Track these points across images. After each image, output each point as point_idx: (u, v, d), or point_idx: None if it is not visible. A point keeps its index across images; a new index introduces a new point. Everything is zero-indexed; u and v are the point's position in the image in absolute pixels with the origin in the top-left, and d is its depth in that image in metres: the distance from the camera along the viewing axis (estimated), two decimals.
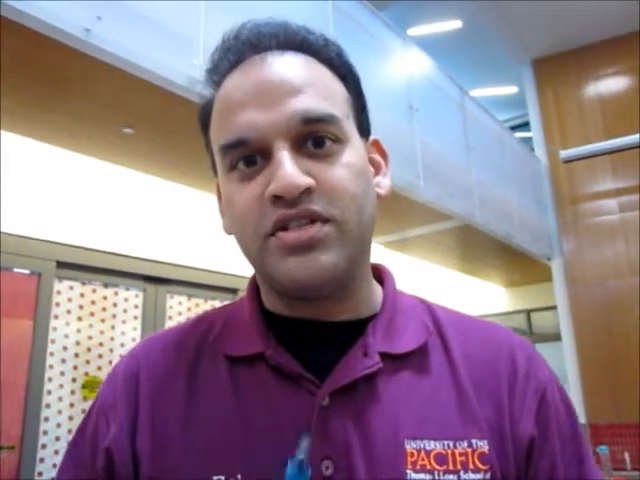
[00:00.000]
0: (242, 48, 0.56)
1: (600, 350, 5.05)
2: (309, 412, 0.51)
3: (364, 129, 0.59)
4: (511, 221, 4.87)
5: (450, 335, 0.58)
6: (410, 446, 0.50)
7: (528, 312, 6.74)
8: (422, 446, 0.50)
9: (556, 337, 5.47)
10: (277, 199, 0.50)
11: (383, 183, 0.61)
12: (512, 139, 5.59)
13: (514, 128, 6.92)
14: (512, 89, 7.11)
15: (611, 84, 5.65)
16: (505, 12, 5.24)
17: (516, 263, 5.70)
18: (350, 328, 0.56)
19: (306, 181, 0.50)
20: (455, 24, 5.87)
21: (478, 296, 6.58)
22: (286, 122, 0.51)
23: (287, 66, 0.53)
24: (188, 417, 0.54)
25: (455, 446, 0.51)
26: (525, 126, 6.78)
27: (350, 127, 0.55)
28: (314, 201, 0.50)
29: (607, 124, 5.45)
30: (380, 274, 0.63)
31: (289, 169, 0.49)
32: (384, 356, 0.54)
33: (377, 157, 0.62)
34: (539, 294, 6.48)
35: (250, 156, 0.52)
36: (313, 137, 0.52)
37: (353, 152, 0.54)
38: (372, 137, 0.61)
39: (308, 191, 0.50)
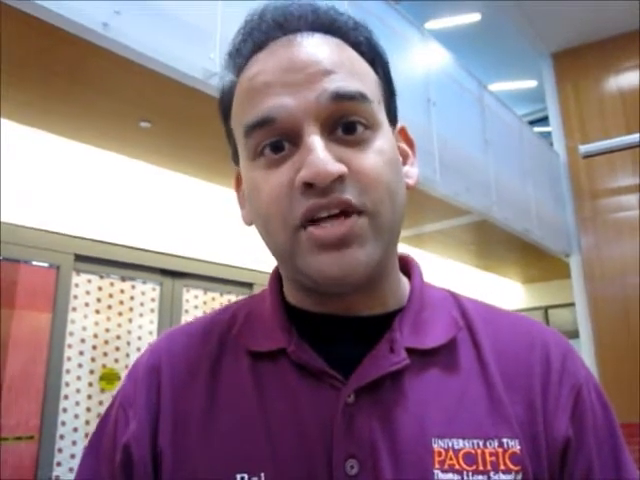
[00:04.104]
0: (268, 29, 0.53)
1: (619, 348, 4.98)
2: (333, 410, 0.49)
3: (393, 116, 0.57)
4: (529, 217, 4.81)
5: (480, 329, 0.56)
6: (438, 445, 0.48)
7: (546, 309, 6.68)
8: (450, 445, 0.48)
9: (574, 334, 5.41)
10: (308, 187, 0.47)
11: (411, 172, 0.58)
12: (531, 133, 5.52)
13: (533, 122, 6.84)
14: (531, 83, 7.03)
15: (632, 78, 5.54)
16: (524, 5, 5.16)
17: (534, 259, 5.64)
18: (376, 322, 0.54)
19: (339, 168, 0.47)
20: (474, 17, 5.81)
21: (495, 292, 6.52)
22: (316, 100, 0.48)
23: (317, 47, 0.51)
24: (210, 414, 0.52)
25: (485, 445, 0.48)
26: (544, 120, 6.70)
27: (381, 113, 0.53)
28: (346, 190, 0.47)
29: (628, 118, 5.35)
30: (407, 265, 0.61)
31: (321, 155, 0.46)
32: (411, 352, 0.51)
33: (404, 146, 0.59)
34: (557, 291, 6.41)
35: (277, 142, 0.49)
36: (344, 122, 0.49)
37: (384, 139, 0.51)
38: (399, 125, 0.59)
39: (340, 179, 0.47)
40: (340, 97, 0.48)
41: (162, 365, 0.56)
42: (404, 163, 0.58)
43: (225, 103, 0.56)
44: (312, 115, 0.48)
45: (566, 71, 5.87)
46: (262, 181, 0.50)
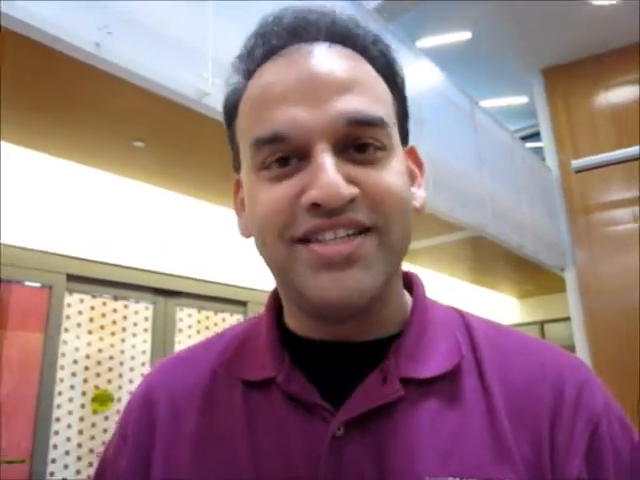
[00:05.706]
0: (285, 35, 0.50)
1: (616, 362, 4.96)
2: (322, 443, 0.46)
3: (404, 137, 0.55)
4: (523, 232, 4.83)
5: (486, 354, 0.51)
6: None
7: (541, 323, 6.67)
8: None
9: (570, 349, 5.39)
10: (314, 207, 0.44)
11: (418, 195, 0.55)
12: (523, 149, 5.56)
13: (525, 138, 6.89)
14: (522, 99, 7.10)
15: (622, 93, 5.61)
16: (514, 22, 5.24)
17: (529, 274, 5.64)
18: (374, 349, 0.50)
19: (351, 191, 0.44)
20: (464, 35, 5.88)
21: (490, 307, 6.51)
22: (331, 122, 0.45)
23: (336, 60, 0.48)
24: (201, 445, 0.51)
25: None
26: (536, 136, 6.75)
27: (395, 135, 0.50)
28: (358, 210, 0.45)
29: (619, 133, 5.41)
30: (409, 282, 0.57)
31: (332, 176, 0.44)
32: (407, 381, 0.48)
33: (413, 167, 0.57)
34: (552, 305, 6.41)
35: (285, 157, 0.47)
36: (357, 144, 0.46)
37: (397, 160, 0.49)
38: (409, 145, 0.57)
39: (351, 201, 0.45)
40: (358, 122, 0.46)
41: (156, 397, 0.55)
42: (411, 184, 0.55)
43: (230, 106, 0.53)
44: (324, 135, 0.45)
45: (556, 87, 5.94)
46: (264, 193, 0.47)
